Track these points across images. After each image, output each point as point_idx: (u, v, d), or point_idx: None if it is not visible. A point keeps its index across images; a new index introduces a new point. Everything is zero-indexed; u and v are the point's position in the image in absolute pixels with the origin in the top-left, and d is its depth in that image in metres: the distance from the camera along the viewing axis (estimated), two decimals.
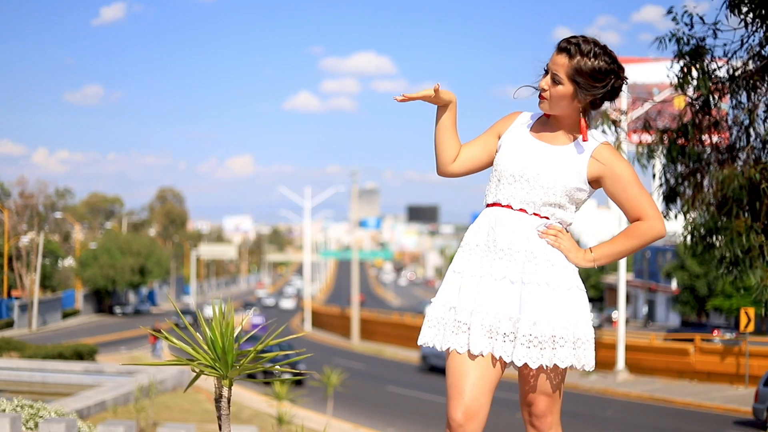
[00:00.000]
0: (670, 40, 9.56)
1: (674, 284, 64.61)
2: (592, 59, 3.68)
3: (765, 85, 9.21)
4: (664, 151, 9.92)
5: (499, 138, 3.95)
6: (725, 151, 9.65)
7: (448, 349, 3.78)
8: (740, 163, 9.45)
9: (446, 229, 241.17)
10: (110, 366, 31.98)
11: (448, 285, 3.88)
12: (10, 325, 64.67)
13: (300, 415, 22.70)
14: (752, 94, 9.32)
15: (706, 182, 9.70)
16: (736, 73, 9.35)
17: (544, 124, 3.91)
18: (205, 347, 3.62)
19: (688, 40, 9.49)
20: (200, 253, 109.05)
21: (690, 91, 9.74)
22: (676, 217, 10.02)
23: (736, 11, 9.15)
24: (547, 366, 3.71)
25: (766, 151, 9.35)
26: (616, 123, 10.53)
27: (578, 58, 3.68)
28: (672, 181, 9.97)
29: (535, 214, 3.79)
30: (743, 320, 30.91)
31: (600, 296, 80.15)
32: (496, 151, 3.94)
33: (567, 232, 3.86)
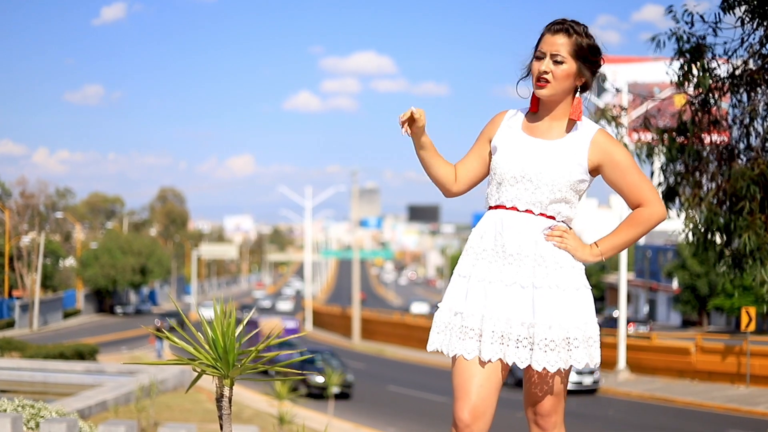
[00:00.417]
0: (669, 39, 9.55)
1: (675, 284, 64.60)
2: (587, 37, 3.76)
3: (765, 83, 9.20)
4: (664, 150, 9.91)
5: (491, 142, 3.93)
6: (725, 150, 9.64)
7: (456, 355, 3.77)
8: (742, 161, 9.44)
9: (447, 229, 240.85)
10: (111, 366, 31.99)
11: (454, 290, 3.86)
12: (11, 325, 64.68)
13: (301, 414, 22.70)
14: (752, 92, 9.31)
15: (705, 180, 9.69)
16: (737, 72, 9.34)
17: (533, 120, 3.88)
18: (207, 347, 3.62)
19: (688, 38, 9.48)
20: (201, 253, 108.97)
21: (690, 89, 9.73)
22: (678, 215, 10.00)
23: (730, 11, 9.14)
24: (563, 369, 3.71)
25: (766, 150, 9.34)
26: (616, 119, 10.52)
27: (575, 36, 3.73)
28: (671, 179, 9.95)
29: (541, 214, 3.77)
30: (744, 319, 30.90)
31: (601, 296, 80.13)
32: (491, 155, 3.91)
33: (570, 229, 3.85)
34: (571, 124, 3.83)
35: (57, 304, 75.20)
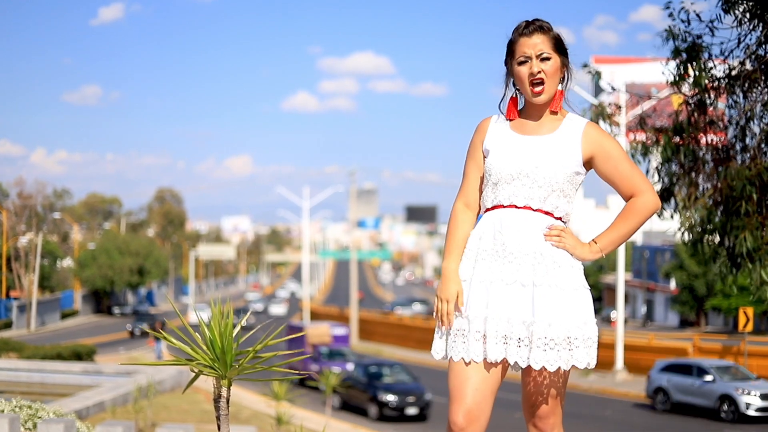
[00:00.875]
0: (666, 38, 9.55)
1: (673, 284, 64.61)
2: (555, 31, 3.80)
3: (762, 84, 9.20)
4: (660, 150, 9.91)
5: (483, 147, 3.92)
6: (721, 150, 9.65)
7: (458, 358, 3.76)
8: (738, 162, 9.44)
9: (445, 230, 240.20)
10: (109, 366, 31.95)
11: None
12: (8, 325, 64.62)
13: (299, 415, 22.68)
14: (749, 93, 9.31)
15: (701, 180, 9.69)
16: (733, 72, 9.34)
17: (522, 115, 3.89)
18: (204, 347, 3.62)
19: (684, 37, 9.48)
20: (199, 254, 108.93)
21: (686, 89, 9.73)
22: (672, 216, 10.01)
23: (731, 11, 9.14)
24: (564, 368, 3.70)
25: (762, 150, 9.34)
26: (611, 118, 10.53)
27: (550, 32, 3.78)
28: (666, 180, 9.96)
29: (539, 210, 3.77)
30: (742, 320, 30.89)
31: (599, 296, 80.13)
32: (485, 158, 3.90)
33: (568, 228, 3.85)
34: (560, 117, 3.85)
35: (54, 304, 75.12)
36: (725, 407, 25.41)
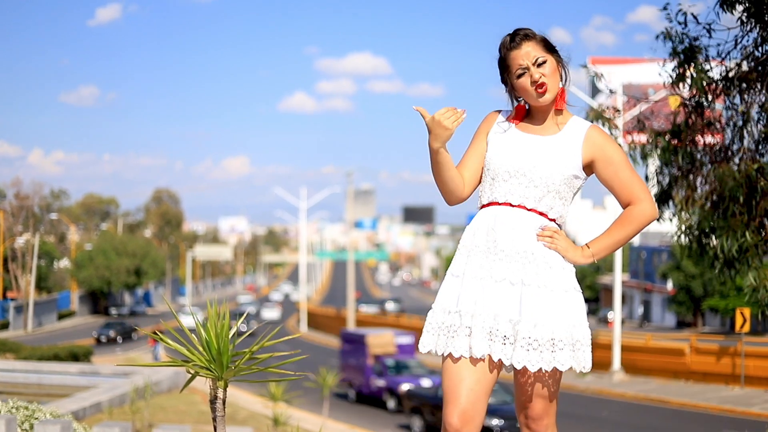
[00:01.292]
0: (664, 39, 9.55)
1: (670, 285, 64.65)
2: (539, 34, 3.80)
3: (759, 85, 9.21)
4: (658, 152, 9.91)
5: (487, 137, 3.94)
6: (719, 152, 9.65)
7: (450, 354, 3.75)
8: (735, 163, 9.44)
9: (442, 230, 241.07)
10: (106, 367, 31.95)
11: (446, 289, 3.85)
12: (5, 326, 64.58)
13: (295, 416, 22.69)
14: (746, 94, 9.32)
15: (699, 183, 9.69)
16: (730, 74, 9.35)
17: (527, 118, 3.90)
18: (200, 348, 3.62)
19: (682, 38, 9.49)
20: (196, 254, 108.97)
21: (684, 91, 9.74)
22: (671, 220, 10.01)
23: (730, 11, 9.14)
24: (545, 369, 3.69)
25: (759, 152, 9.35)
26: (610, 122, 10.53)
27: (536, 36, 3.78)
28: (665, 183, 9.96)
29: (534, 210, 3.77)
30: (739, 320, 30.91)
31: (596, 297, 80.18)
32: (486, 151, 3.92)
33: (562, 230, 3.85)
34: (564, 119, 3.85)
35: (51, 305, 75.10)
36: None
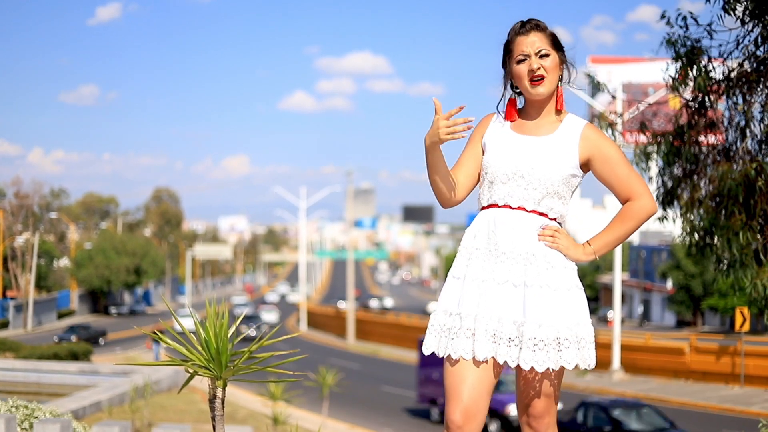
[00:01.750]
0: (666, 46, 9.54)
1: (669, 284, 64.67)
2: (550, 29, 3.81)
3: (761, 85, 9.21)
4: (661, 153, 9.91)
5: (482, 141, 3.94)
6: (721, 152, 9.65)
7: (450, 356, 3.76)
8: (737, 163, 9.44)
9: (441, 229, 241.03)
10: (105, 366, 31.94)
11: (448, 291, 3.86)
12: (5, 325, 64.58)
13: (295, 415, 22.69)
14: (748, 94, 9.31)
15: (702, 183, 9.69)
16: (732, 74, 9.34)
17: (522, 118, 3.89)
18: (199, 348, 3.61)
19: (683, 42, 9.48)
20: (195, 254, 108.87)
21: (686, 92, 9.73)
22: (674, 221, 10.01)
23: (731, 11, 9.14)
24: (552, 369, 3.70)
25: (762, 152, 9.35)
26: (612, 126, 10.53)
27: (547, 30, 3.79)
28: (669, 183, 9.96)
29: (534, 211, 3.77)
30: (739, 320, 30.92)
31: (595, 296, 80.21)
32: (483, 154, 3.92)
33: (562, 228, 3.84)
34: (559, 118, 3.85)
35: (51, 304, 75.09)
36: None
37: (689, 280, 60.43)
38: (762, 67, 9.09)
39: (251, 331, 49.88)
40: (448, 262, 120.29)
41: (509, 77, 3.86)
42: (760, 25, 8.99)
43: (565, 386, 31.00)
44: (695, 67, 9.38)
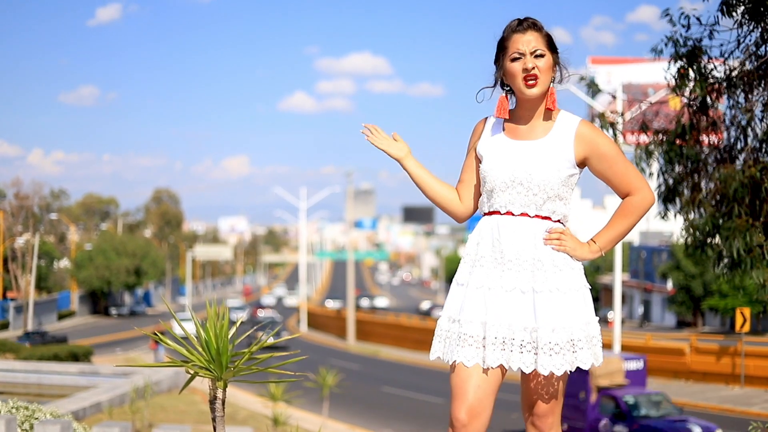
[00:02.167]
0: (666, 44, 9.54)
1: (670, 284, 64.65)
2: (546, 30, 3.79)
3: (762, 85, 9.21)
4: (662, 152, 9.91)
5: (477, 150, 3.94)
6: (723, 152, 9.65)
7: (455, 361, 3.77)
8: (739, 163, 9.44)
9: (442, 230, 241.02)
10: (105, 367, 31.94)
11: (452, 298, 3.87)
12: (5, 326, 64.56)
13: (295, 416, 22.70)
14: (749, 94, 9.32)
15: (704, 183, 9.69)
16: (733, 74, 9.34)
17: (514, 122, 3.88)
18: (200, 349, 3.61)
19: (684, 41, 9.48)
20: (196, 254, 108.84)
21: (687, 92, 9.73)
22: (675, 217, 10.01)
23: (730, 12, 9.14)
24: (570, 371, 3.72)
25: (763, 151, 9.35)
26: (614, 126, 10.53)
27: (543, 30, 3.77)
28: (670, 181, 9.96)
29: (537, 216, 3.77)
30: (739, 320, 30.92)
31: (596, 296, 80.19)
32: (479, 162, 3.92)
33: (567, 229, 3.85)
34: (552, 117, 3.84)
35: (51, 305, 75.09)
36: None
37: (689, 281, 60.39)
38: (764, 67, 9.09)
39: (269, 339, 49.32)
40: (448, 263, 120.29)
41: (501, 74, 3.86)
42: (760, 26, 8.99)
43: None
44: (695, 66, 9.38)
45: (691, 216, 9.58)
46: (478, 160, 3.92)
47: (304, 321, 73.52)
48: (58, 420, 8.94)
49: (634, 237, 71.59)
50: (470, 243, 3.89)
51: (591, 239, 3.86)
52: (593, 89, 11.41)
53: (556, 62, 3.80)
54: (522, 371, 3.79)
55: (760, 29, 9.04)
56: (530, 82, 3.73)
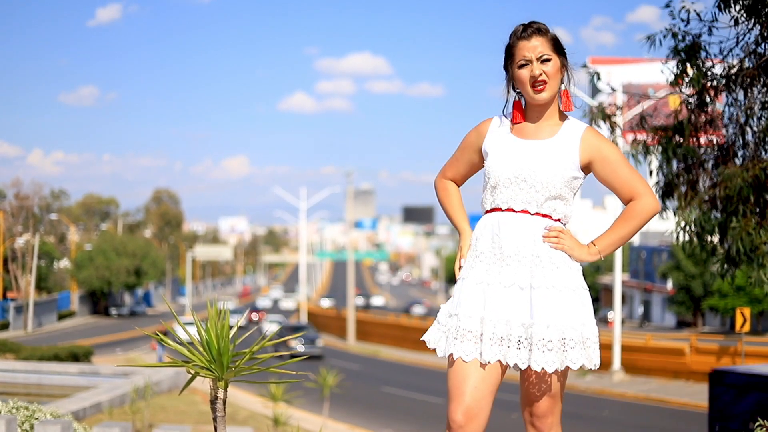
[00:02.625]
0: (665, 37, 9.55)
1: (670, 285, 64.66)
2: (552, 32, 3.81)
3: (761, 83, 9.21)
4: (660, 149, 9.91)
5: (481, 149, 3.96)
6: (721, 149, 9.66)
7: (451, 355, 3.77)
8: (738, 161, 9.45)
9: (442, 230, 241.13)
10: (106, 367, 31.92)
11: (454, 293, 3.91)
12: (5, 326, 64.57)
13: (296, 416, 22.70)
14: (748, 92, 9.32)
15: (701, 180, 9.70)
16: (732, 71, 9.35)
17: (521, 123, 3.90)
18: (201, 349, 3.61)
19: (683, 36, 9.48)
20: (196, 255, 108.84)
21: (685, 88, 9.74)
22: (675, 213, 10.01)
23: (726, 10, 9.15)
24: (560, 369, 3.73)
25: (762, 149, 9.35)
26: (610, 119, 10.52)
27: (548, 33, 3.79)
28: (667, 178, 9.97)
29: (537, 213, 3.79)
30: (739, 320, 30.89)
31: (596, 296, 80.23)
32: (484, 159, 3.94)
33: (567, 229, 3.85)
34: (560, 121, 3.86)
35: (51, 305, 75.09)
36: None
37: (689, 281, 60.41)
38: (763, 64, 9.09)
39: (299, 347, 45.39)
40: (448, 263, 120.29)
41: (511, 81, 3.87)
42: (758, 24, 8.99)
43: (566, 387, 30.96)
44: (693, 62, 9.39)
45: (687, 213, 9.58)
46: (482, 158, 3.95)
47: (304, 321, 73.52)
48: (59, 420, 8.94)
49: (634, 237, 71.51)
50: (471, 239, 3.93)
51: (591, 242, 3.87)
52: (598, 78, 11.41)
53: (563, 64, 3.81)
54: (521, 370, 3.80)
55: (759, 27, 9.04)
56: (539, 88, 3.76)
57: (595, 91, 40.27)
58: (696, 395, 30.43)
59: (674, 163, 9.91)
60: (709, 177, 9.56)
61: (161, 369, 29.15)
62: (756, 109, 9.27)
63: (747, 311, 30.94)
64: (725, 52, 9.42)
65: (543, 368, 3.69)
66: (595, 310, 71.91)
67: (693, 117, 9.68)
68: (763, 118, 9.25)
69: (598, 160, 3.81)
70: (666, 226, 10.58)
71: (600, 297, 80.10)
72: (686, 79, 9.56)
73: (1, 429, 8.40)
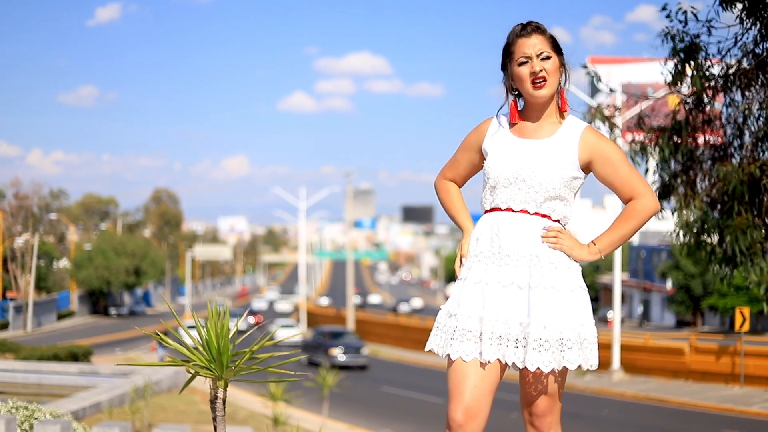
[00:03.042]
0: (664, 39, 9.55)
1: (669, 284, 64.66)
2: (550, 32, 3.83)
3: (759, 83, 9.21)
4: (658, 149, 9.91)
5: (481, 149, 3.96)
6: (719, 149, 9.66)
7: (449, 354, 3.78)
8: (735, 161, 9.45)
9: (441, 230, 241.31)
10: (105, 367, 31.91)
11: (453, 292, 3.91)
12: (5, 326, 64.56)
13: (295, 415, 22.70)
14: (746, 92, 9.32)
15: (698, 180, 9.70)
16: (730, 71, 9.35)
17: (520, 122, 3.91)
18: (200, 348, 3.61)
19: (682, 37, 9.49)
20: (195, 254, 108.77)
21: (684, 89, 9.74)
22: (673, 213, 10.01)
23: (729, 8, 9.15)
24: (556, 369, 3.72)
25: (760, 149, 9.35)
26: (609, 120, 10.52)
27: (547, 33, 3.81)
28: (665, 178, 9.97)
29: (536, 213, 3.79)
30: (738, 320, 30.90)
31: (595, 296, 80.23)
32: (484, 159, 3.94)
33: (566, 229, 3.85)
34: (559, 120, 3.87)
35: (51, 305, 75.07)
36: None
37: (689, 280, 60.41)
38: (762, 65, 9.10)
39: (340, 356, 41.63)
40: (447, 263, 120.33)
41: (510, 80, 3.87)
42: (758, 23, 9.00)
43: (565, 386, 30.95)
44: (692, 63, 9.39)
45: (685, 213, 9.58)
46: (483, 158, 3.95)
47: (304, 321, 73.50)
48: (58, 420, 8.94)
49: (633, 237, 71.59)
50: (471, 239, 3.93)
51: (591, 241, 3.87)
52: (598, 79, 11.41)
53: (562, 63, 3.83)
54: (520, 371, 3.81)
55: (758, 26, 9.04)
56: (539, 84, 3.77)
57: (594, 91, 40.30)
58: (695, 395, 30.45)
59: (672, 164, 9.91)
60: (708, 177, 9.56)
61: (161, 369, 29.14)
62: (754, 108, 9.27)
63: (746, 311, 30.96)
64: (723, 52, 9.43)
65: (539, 368, 3.69)
66: (595, 310, 72.30)
67: (691, 117, 9.68)
68: (761, 118, 9.25)
69: (597, 159, 3.81)
70: (665, 226, 10.57)
71: (599, 296, 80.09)
72: (685, 80, 9.56)
73: (1, 429, 8.41)
